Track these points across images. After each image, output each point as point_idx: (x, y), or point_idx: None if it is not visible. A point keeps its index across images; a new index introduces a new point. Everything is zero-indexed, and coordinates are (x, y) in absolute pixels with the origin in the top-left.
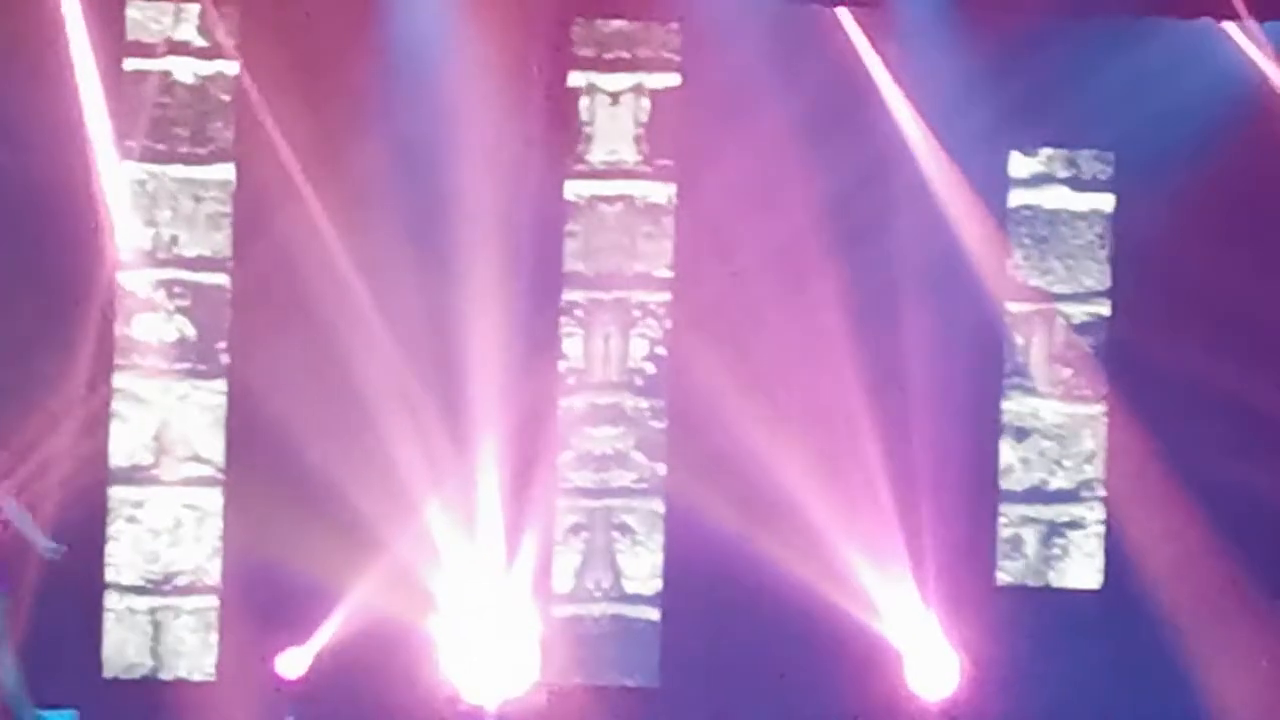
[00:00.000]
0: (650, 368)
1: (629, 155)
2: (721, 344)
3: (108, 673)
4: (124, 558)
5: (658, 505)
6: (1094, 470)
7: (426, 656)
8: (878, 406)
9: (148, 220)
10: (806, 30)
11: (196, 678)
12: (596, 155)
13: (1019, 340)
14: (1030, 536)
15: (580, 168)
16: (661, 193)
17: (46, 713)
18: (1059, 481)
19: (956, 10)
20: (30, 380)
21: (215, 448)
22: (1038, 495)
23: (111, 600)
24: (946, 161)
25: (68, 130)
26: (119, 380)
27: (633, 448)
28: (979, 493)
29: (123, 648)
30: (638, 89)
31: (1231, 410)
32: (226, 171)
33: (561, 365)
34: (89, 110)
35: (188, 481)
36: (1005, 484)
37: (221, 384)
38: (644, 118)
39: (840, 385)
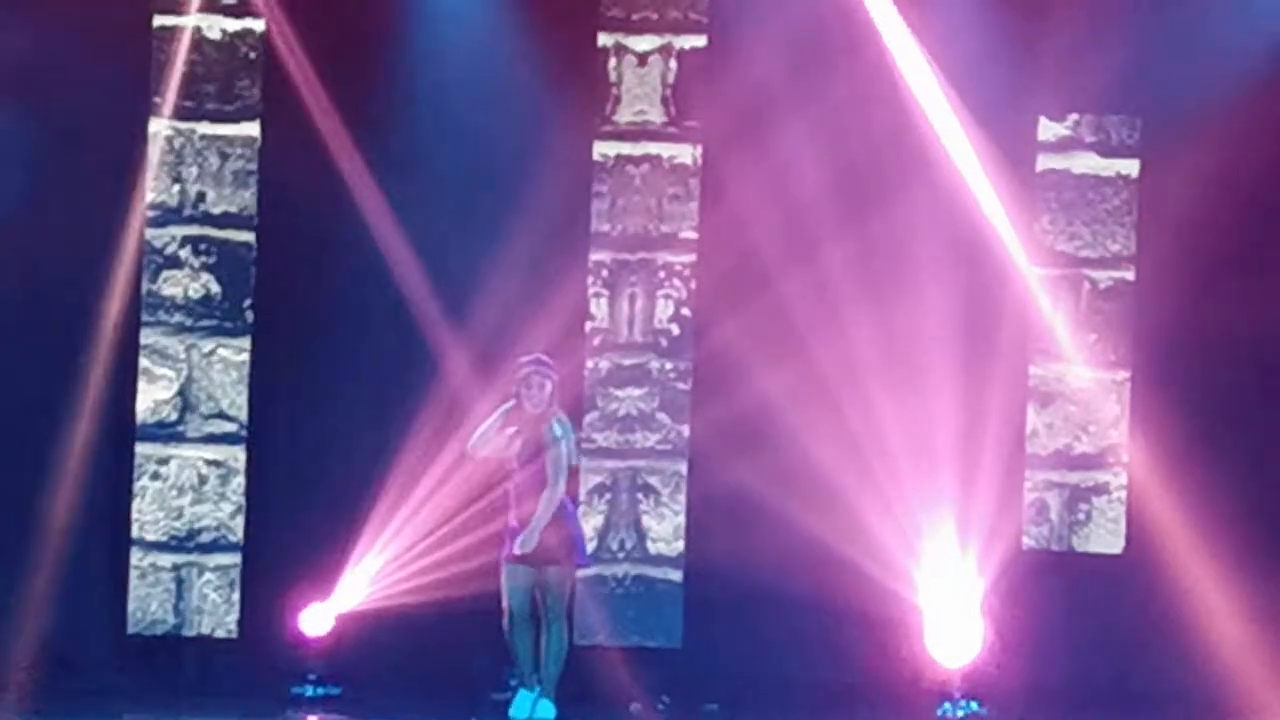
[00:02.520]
0: (676, 329)
1: (656, 116)
2: (747, 306)
3: (131, 629)
4: (148, 514)
5: (682, 467)
6: (1118, 436)
7: (450, 616)
8: (902, 370)
9: (174, 177)
10: None
11: (219, 635)
12: (624, 116)
13: (1045, 305)
14: (1054, 501)
15: (607, 128)
16: (688, 154)
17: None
18: (1083, 447)
19: None
20: (56, 336)
21: (240, 405)
22: (1062, 460)
23: (135, 557)
24: (973, 126)
25: (96, 86)
26: (145, 336)
27: (657, 409)
28: (1004, 457)
29: (146, 604)
30: (665, 50)
31: (1256, 376)
32: (253, 129)
33: (587, 326)
34: (118, 66)
35: (212, 438)
36: (1030, 449)
37: (246, 341)
38: (671, 79)
39: (865, 348)
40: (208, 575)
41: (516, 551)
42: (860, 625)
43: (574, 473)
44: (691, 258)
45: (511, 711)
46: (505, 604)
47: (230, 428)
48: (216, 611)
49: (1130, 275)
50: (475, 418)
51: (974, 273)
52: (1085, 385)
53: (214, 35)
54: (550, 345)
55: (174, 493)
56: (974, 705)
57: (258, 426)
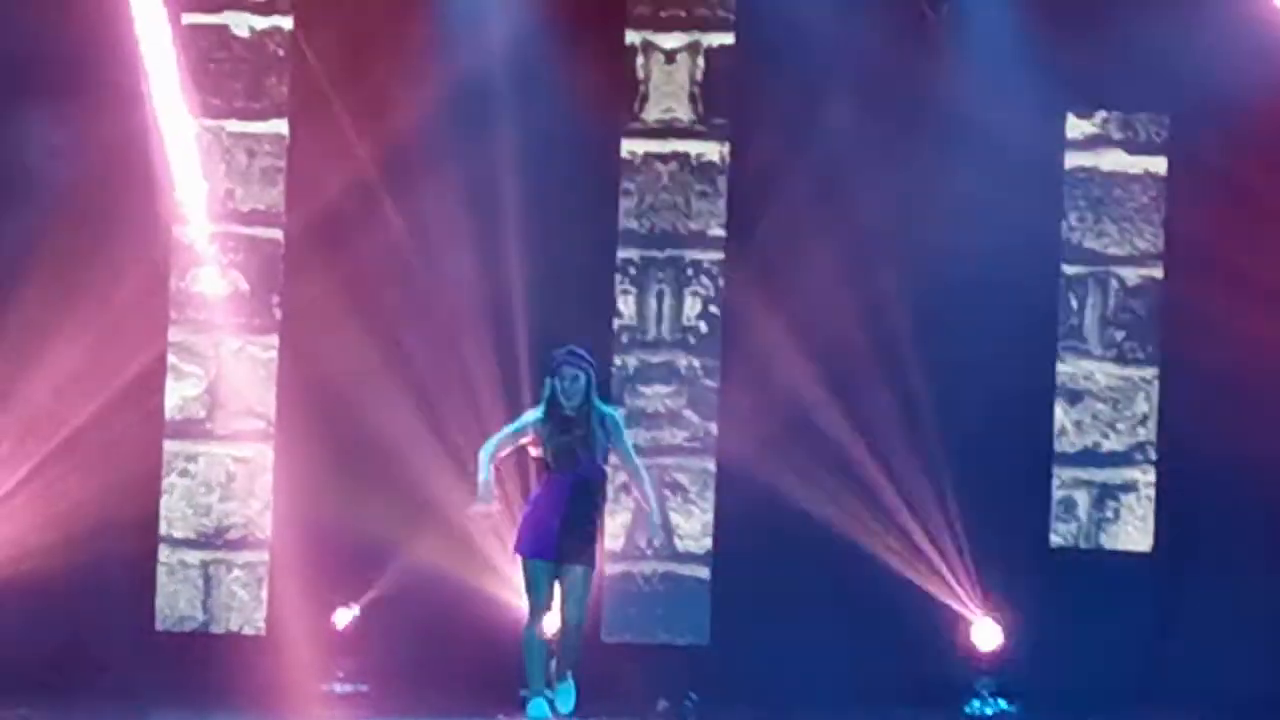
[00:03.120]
0: (703, 326)
1: (684, 114)
2: (774, 303)
3: (159, 625)
4: (177, 511)
5: (710, 464)
6: (1147, 433)
7: (475, 612)
8: (931, 366)
9: (203, 174)
10: None
11: (247, 631)
12: (651, 113)
13: (1073, 303)
14: (1082, 499)
15: (635, 126)
16: (716, 151)
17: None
18: (1112, 444)
19: None
20: (86, 333)
21: (268, 402)
22: (1090, 458)
23: (164, 553)
24: (1002, 122)
25: (126, 83)
26: (173, 334)
27: (685, 406)
28: (1033, 455)
29: (174, 601)
30: (693, 47)
31: None
32: (281, 126)
33: (615, 323)
34: (147, 64)
35: (240, 436)
36: (1058, 446)
37: (274, 339)
38: (699, 76)
39: (893, 345)
40: (236, 572)
41: (656, 542)
42: (888, 623)
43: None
44: (720, 255)
45: (530, 711)
46: (530, 600)
47: (258, 425)
48: (244, 608)
49: (1158, 273)
50: (503, 414)
51: (1003, 270)
52: (1114, 382)
53: (242, 33)
54: (578, 342)
55: (202, 489)
56: (1002, 703)
57: (285, 423)
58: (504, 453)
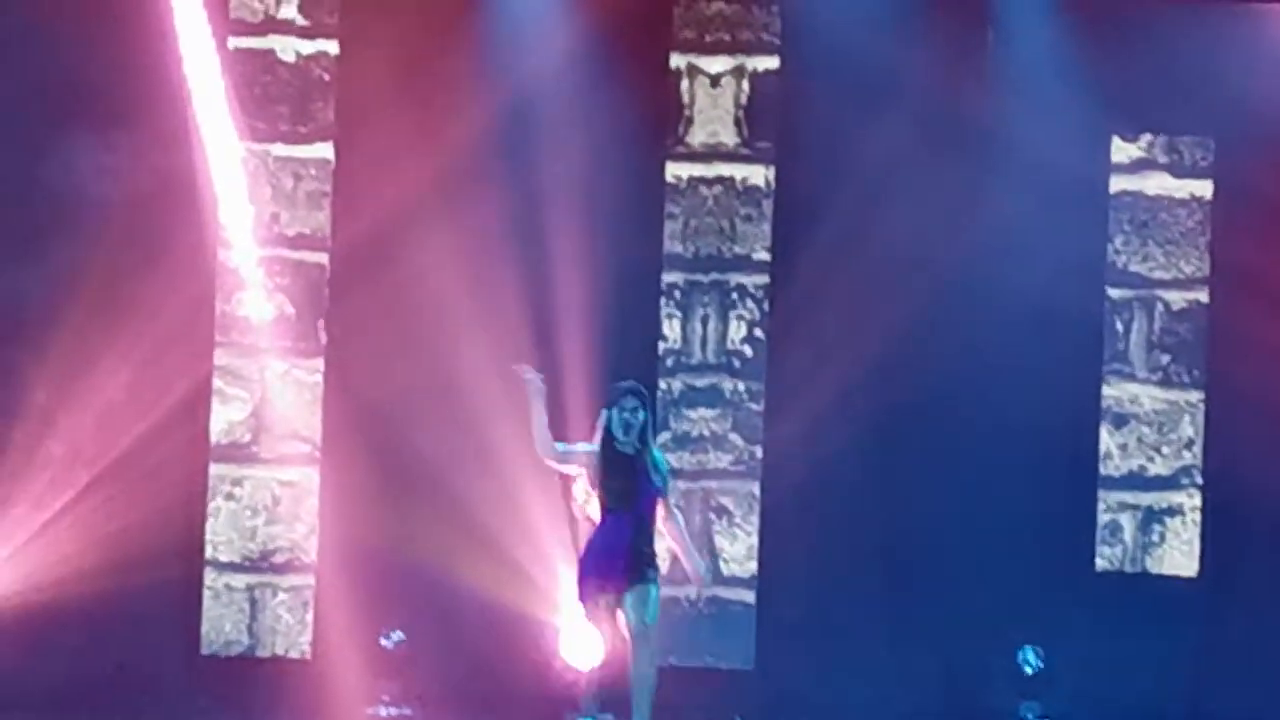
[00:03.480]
0: (748, 350)
1: (729, 138)
2: (820, 327)
3: (205, 649)
4: (222, 535)
5: (754, 488)
6: (1192, 457)
7: (521, 636)
8: (976, 390)
9: (248, 198)
10: (906, 13)
11: (293, 655)
12: (696, 137)
13: (1118, 326)
14: (1128, 523)
15: (680, 150)
16: (761, 175)
17: None
18: (1157, 468)
19: None
20: (132, 356)
21: (313, 426)
22: (1136, 482)
23: (209, 577)
24: (1047, 146)
25: (172, 108)
26: (219, 357)
27: (730, 430)
28: (1078, 478)
29: (220, 625)
30: (738, 71)
31: None
32: (326, 150)
33: (660, 347)
34: (193, 88)
35: (286, 459)
36: (1104, 470)
37: (320, 362)
38: (744, 100)
39: (937, 368)
40: (281, 596)
41: (704, 591)
42: (933, 646)
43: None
44: (764, 278)
45: None
46: (596, 636)
47: (304, 448)
48: (290, 632)
49: (1204, 296)
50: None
51: (1048, 294)
52: (1159, 406)
53: (288, 57)
54: (623, 366)
55: (248, 513)
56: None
57: (331, 447)
58: (561, 448)
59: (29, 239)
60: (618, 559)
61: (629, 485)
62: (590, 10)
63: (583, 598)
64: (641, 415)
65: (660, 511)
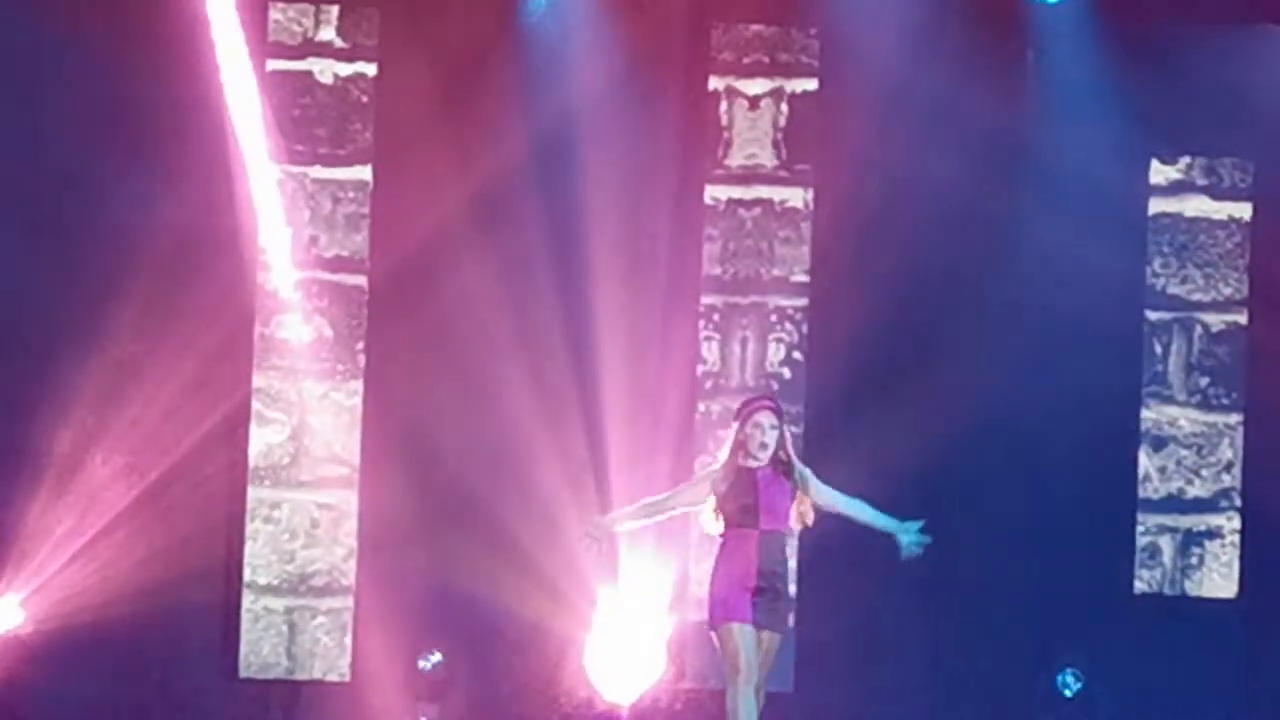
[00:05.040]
0: (787, 372)
1: (767, 160)
2: (858, 349)
3: (244, 672)
4: (261, 558)
5: None
6: (1231, 480)
7: (561, 658)
8: (1016, 412)
9: (287, 221)
10: (945, 35)
11: (331, 678)
12: (735, 159)
13: (1157, 348)
14: (1167, 545)
15: (719, 172)
16: (799, 197)
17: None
18: (1196, 490)
19: (1097, 18)
20: (172, 379)
21: (352, 448)
22: (1175, 504)
23: (248, 600)
24: (1086, 168)
25: (211, 131)
26: (258, 380)
27: None
28: (1117, 501)
29: (259, 647)
30: (776, 93)
31: None
32: (365, 173)
33: (699, 369)
34: (232, 110)
35: (324, 482)
36: (1143, 492)
37: (358, 385)
38: (782, 122)
39: (977, 390)
40: (320, 619)
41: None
42: (971, 668)
43: None
44: (803, 301)
45: None
46: (740, 666)
47: (342, 471)
48: (329, 655)
49: (1243, 319)
50: (588, 459)
51: (1086, 316)
52: (1198, 429)
53: (326, 80)
54: (662, 388)
55: (286, 536)
56: None
57: (369, 469)
58: (664, 514)
59: (70, 264)
60: (746, 583)
61: (756, 502)
62: (629, 32)
63: (712, 623)
64: (778, 430)
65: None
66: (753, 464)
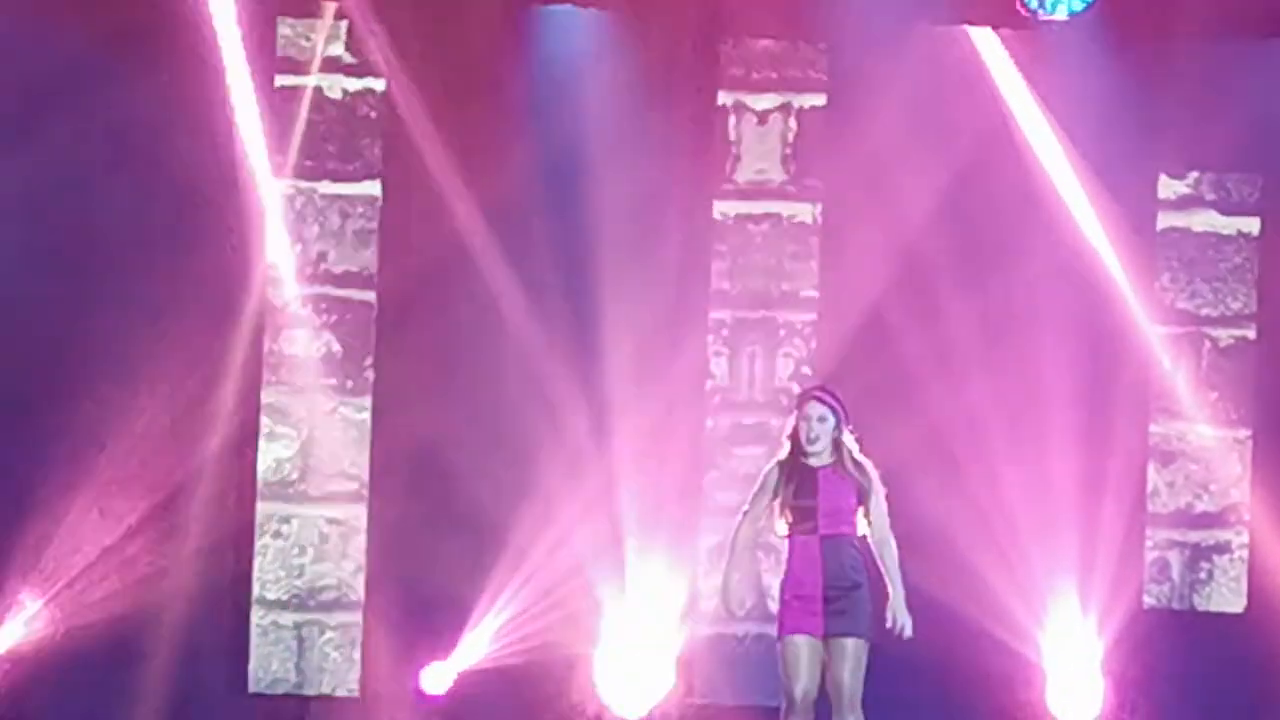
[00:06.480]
0: (796, 388)
1: (776, 175)
2: (867, 365)
3: (252, 687)
4: (270, 573)
5: None
6: (1240, 495)
7: (569, 673)
8: (1023, 428)
9: (295, 236)
10: (954, 52)
11: (340, 694)
12: (744, 174)
13: (1165, 364)
14: (1175, 560)
15: (727, 187)
16: (808, 212)
17: None
18: (1205, 505)
19: (1105, 33)
20: (179, 395)
21: (361, 464)
22: (1183, 519)
23: (257, 615)
24: (1094, 183)
25: (219, 145)
26: (266, 396)
27: None
28: (1126, 515)
29: (267, 663)
30: (785, 109)
31: None
32: (374, 188)
33: (707, 384)
34: (240, 126)
35: (333, 497)
36: (1151, 508)
37: (367, 400)
38: (791, 137)
39: (985, 407)
40: (329, 634)
41: (901, 630)
42: (982, 686)
43: None
44: (812, 316)
45: None
46: (794, 692)
47: (351, 486)
48: (338, 670)
49: (1251, 333)
50: (597, 475)
51: (1095, 331)
52: (1206, 444)
53: (335, 95)
54: (670, 404)
55: (295, 551)
56: None
57: (378, 485)
58: (760, 524)
59: (76, 278)
60: (815, 591)
61: (816, 503)
62: (637, 47)
63: (781, 633)
64: (831, 421)
65: (864, 527)
66: (814, 462)
